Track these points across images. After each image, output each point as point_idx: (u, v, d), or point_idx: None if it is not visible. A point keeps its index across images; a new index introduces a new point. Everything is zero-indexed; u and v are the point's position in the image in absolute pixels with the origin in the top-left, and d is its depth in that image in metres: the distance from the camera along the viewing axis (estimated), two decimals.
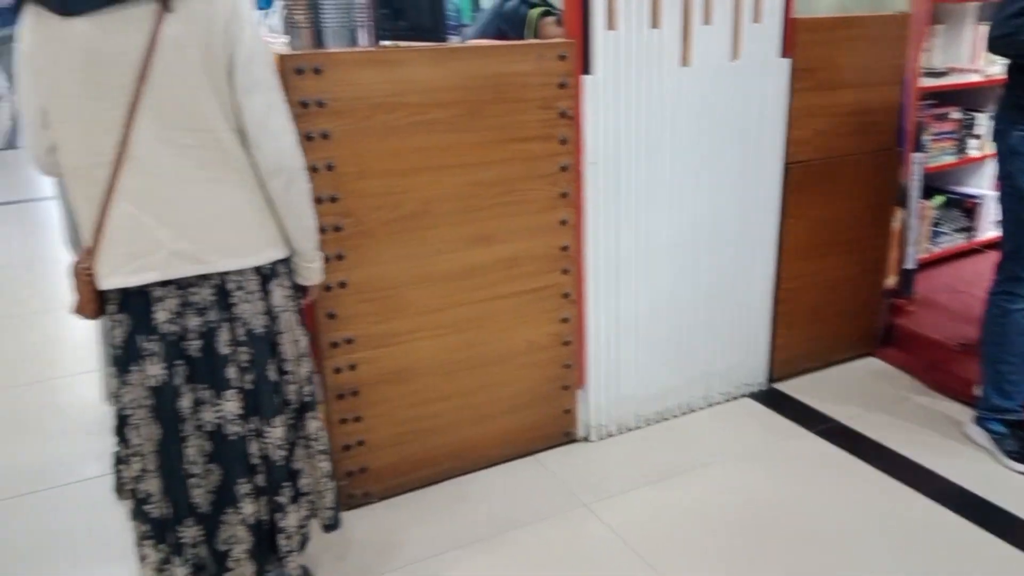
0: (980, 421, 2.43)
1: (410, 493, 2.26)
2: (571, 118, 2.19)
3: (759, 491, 2.24)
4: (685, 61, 2.31)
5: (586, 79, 2.17)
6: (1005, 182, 2.27)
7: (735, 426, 2.60)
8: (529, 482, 2.31)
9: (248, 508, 1.62)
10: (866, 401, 2.71)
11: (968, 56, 3.25)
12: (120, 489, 2.24)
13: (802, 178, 2.65)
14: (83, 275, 1.51)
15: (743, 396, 2.78)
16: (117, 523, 2.16)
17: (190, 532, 1.61)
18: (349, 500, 2.17)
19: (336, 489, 1.81)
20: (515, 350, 2.32)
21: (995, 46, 2.15)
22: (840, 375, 2.92)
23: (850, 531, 2.06)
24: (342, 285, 2.02)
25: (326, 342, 2.04)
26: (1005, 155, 2.25)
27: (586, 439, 2.51)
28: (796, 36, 2.48)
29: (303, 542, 1.75)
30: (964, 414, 2.55)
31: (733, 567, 1.95)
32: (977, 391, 2.47)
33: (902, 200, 2.93)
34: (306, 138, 1.85)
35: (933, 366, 2.83)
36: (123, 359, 1.54)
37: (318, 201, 1.86)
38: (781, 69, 2.49)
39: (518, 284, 2.26)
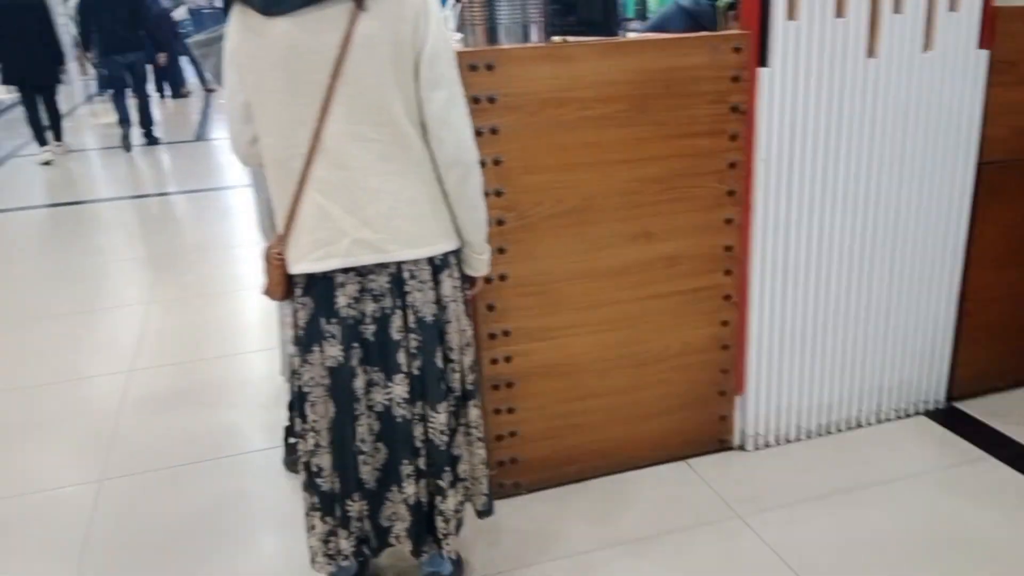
0: None
1: (559, 487, 2.26)
2: (743, 113, 2.09)
3: (933, 517, 2.07)
4: (871, 52, 2.15)
5: (762, 72, 2.07)
6: None
7: (908, 445, 2.41)
8: (681, 488, 2.25)
9: (410, 488, 1.68)
10: None
11: None
12: (290, 462, 2.39)
13: (997, 180, 2.42)
14: (275, 259, 1.61)
15: (918, 414, 2.58)
16: (283, 493, 2.30)
17: (356, 507, 1.69)
18: (499, 489, 2.20)
19: (489, 477, 1.84)
20: (671, 351, 2.26)
21: None
22: None
23: None
24: (502, 278, 2.04)
25: (484, 333, 2.07)
26: None
27: (742, 448, 2.42)
28: (997, 26, 2.26)
29: (458, 526, 1.79)
30: None
31: None
32: None
33: None
34: (476, 133, 1.87)
35: None
36: (305, 340, 1.62)
37: (484, 195, 1.88)
38: (978, 62, 2.27)
39: (678, 283, 2.20)
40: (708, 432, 2.38)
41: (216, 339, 3.43)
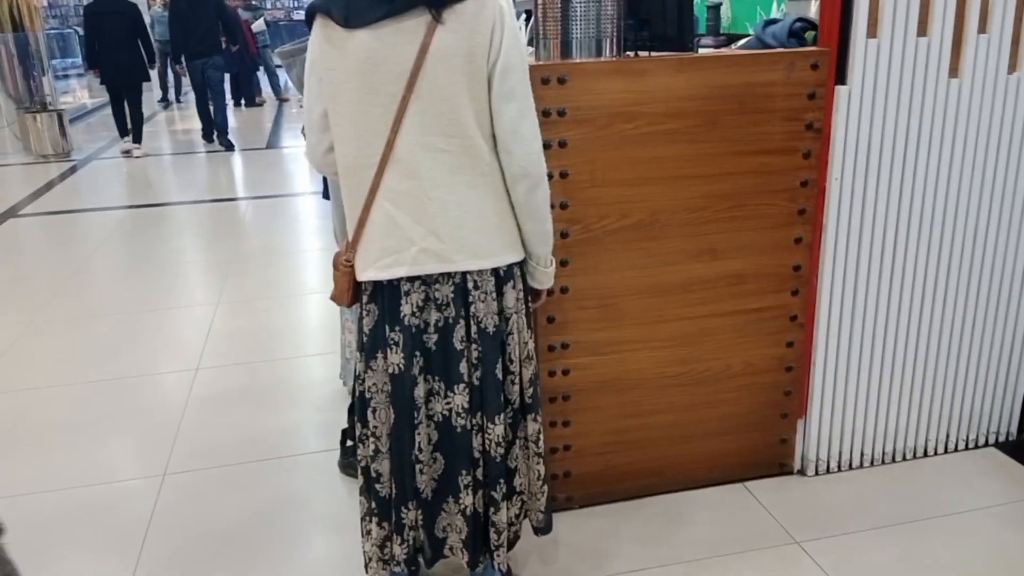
0: None
1: (612, 504, 2.24)
2: (818, 131, 2.05)
3: (998, 553, 1.99)
4: (955, 72, 2.09)
5: (839, 90, 2.03)
6: None
7: (975, 477, 2.33)
8: (738, 510, 2.20)
9: (467, 499, 1.68)
10: None
11: None
12: (345, 465, 2.42)
13: None
14: (343, 266, 1.63)
15: (987, 445, 2.48)
16: (338, 496, 2.33)
17: (411, 515, 1.70)
18: (551, 503, 2.19)
19: (548, 493, 1.82)
20: (732, 371, 2.22)
21: None
22: None
23: None
24: (564, 291, 2.03)
25: (543, 345, 2.06)
26: None
27: (802, 472, 2.36)
28: None
29: (514, 540, 1.78)
30: None
31: None
32: None
33: None
34: (544, 146, 1.87)
35: None
36: (369, 347, 1.64)
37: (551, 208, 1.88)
38: None
39: (742, 302, 2.16)
40: (768, 455, 2.33)
41: (279, 342, 3.50)
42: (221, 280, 4.34)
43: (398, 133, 1.49)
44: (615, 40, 1.97)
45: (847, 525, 2.12)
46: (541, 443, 1.77)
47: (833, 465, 2.36)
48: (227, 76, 9.47)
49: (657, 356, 2.15)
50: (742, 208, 2.08)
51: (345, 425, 2.41)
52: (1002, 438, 2.50)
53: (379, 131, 1.50)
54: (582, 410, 2.15)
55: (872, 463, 2.39)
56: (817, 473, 2.35)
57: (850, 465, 2.37)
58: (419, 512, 1.71)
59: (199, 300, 4.04)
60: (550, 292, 1.98)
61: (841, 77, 2.03)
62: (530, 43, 2.13)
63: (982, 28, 2.08)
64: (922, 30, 2.03)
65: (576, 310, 2.06)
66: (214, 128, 8.48)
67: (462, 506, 1.68)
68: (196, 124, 8.98)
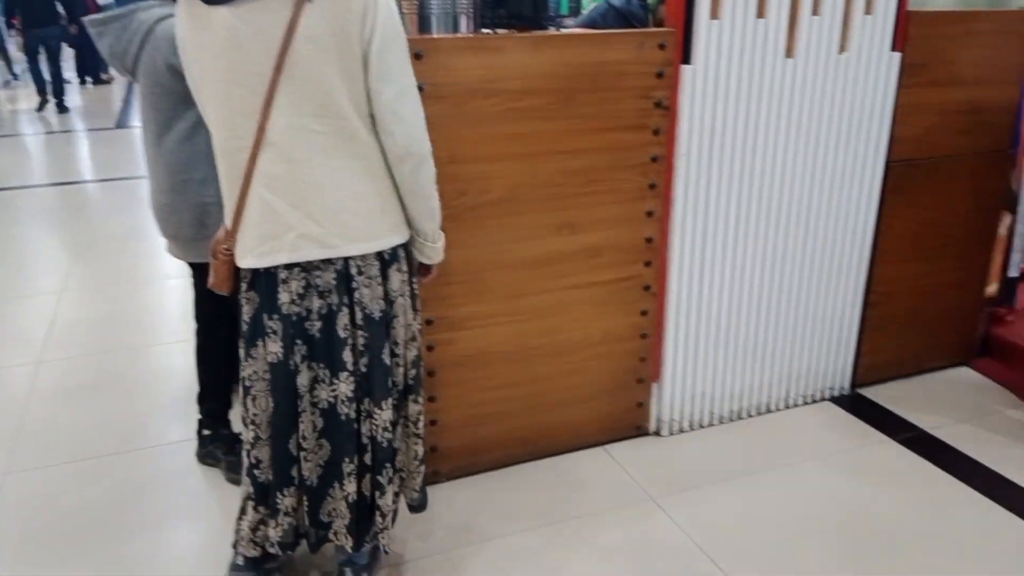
0: None
1: (478, 475, 2.28)
2: (667, 108, 2.14)
3: (837, 497, 2.18)
4: (790, 53, 2.23)
5: (685, 69, 2.12)
6: None
7: (815, 430, 2.53)
8: (598, 472, 2.30)
9: (351, 486, 1.67)
10: (955, 412, 2.61)
11: None
12: (203, 455, 2.35)
13: (905, 177, 2.54)
14: (222, 254, 1.57)
15: (825, 400, 2.70)
16: (196, 485, 2.26)
17: (287, 501, 1.67)
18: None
19: (425, 472, 1.84)
20: (591, 340, 2.30)
21: None
22: (930, 384, 2.81)
23: (930, 543, 1.99)
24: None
25: None
26: None
27: (657, 434, 2.48)
28: (909, 30, 2.36)
29: (394, 519, 1.79)
30: None
31: (797, 569, 1.90)
32: None
33: (1011, 205, 2.78)
34: None
35: None
36: (249, 335, 1.60)
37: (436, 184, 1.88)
38: (891, 64, 2.38)
39: (599, 274, 2.24)
40: (626, 419, 2.44)
41: (133, 329, 3.32)
42: (67, 267, 4.06)
43: (268, 116, 1.44)
44: (472, 17, 1.98)
45: (698, 480, 2.26)
46: (421, 424, 1.77)
47: (686, 425, 2.50)
48: (73, 52, 9.43)
49: (519, 329, 2.20)
50: (597, 183, 2.15)
51: (199, 415, 2.34)
52: (837, 393, 2.72)
53: (249, 113, 1.44)
54: (447, 384, 2.17)
55: (721, 422, 2.55)
56: (671, 433, 2.48)
57: (701, 424, 2.52)
58: (304, 498, 1.68)
59: (42, 289, 3.77)
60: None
61: (687, 57, 2.12)
62: None
63: (815, 11, 2.22)
64: (761, 12, 2.15)
65: (438, 286, 2.07)
66: (47, 92, 8.58)
67: (346, 492, 1.67)
68: (35, 102, 8.58)
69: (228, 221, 1.56)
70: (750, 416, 2.59)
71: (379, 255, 1.58)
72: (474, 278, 2.10)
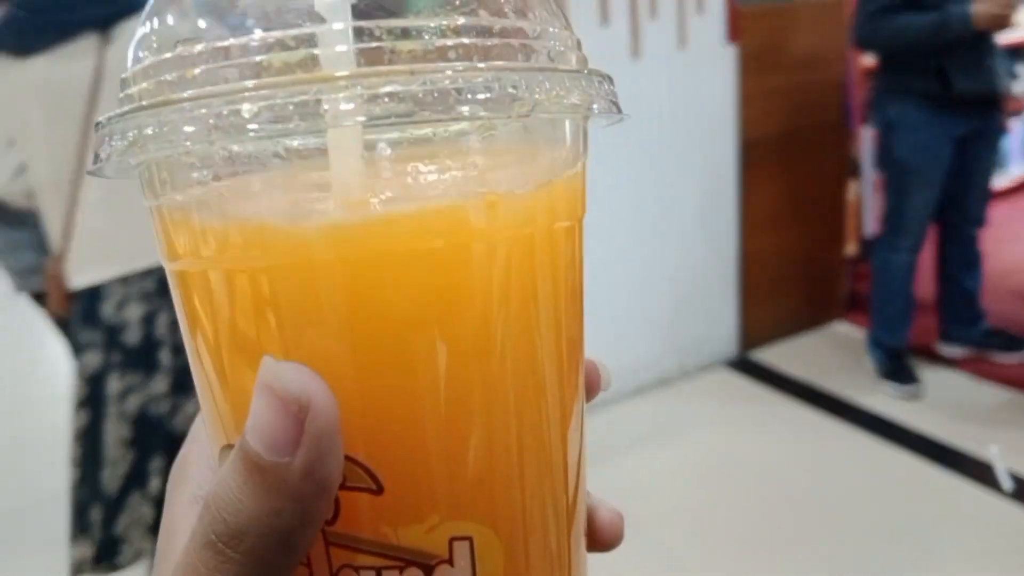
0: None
1: None
2: None
3: (734, 453, 2.39)
4: (635, 53, 2.48)
5: None
6: (884, 153, 2.56)
7: (709, 394, 2.75)
8: None
9: (156, 484, 1.68)
10: (833, 363, 2.87)
11: None
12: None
13: (755, 156, 2.82)
14: (54, 279, 1.66)
15: (716, 365, 2.93)
16: None
17: (98, 515, 1.66)
18: None
19: None
20: None
21: (859, 43, 2.48)
22: (808, 341, 3.08)
23: (827, 486, 2.21)
24: None
25: None
26: (883, 129, 2.53)
27: None
28: (741, 24, 2.65)
29: None
30: (921, 365, 2.71)
31: (710, 525, 2.09)
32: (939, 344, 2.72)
33: (855, 172, 3.10)
34: None
35: None
36: (73, 350, 1.69)
37: None
38: (729, 55, 2.66)
39: None
40: None
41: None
42: None
43: (86, 149, 1.56)
44: None
45: (606, 454, 2.42)
46: None
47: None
48: None
49: None
50: None
51: None
52: (728, 359, 2.96)
53: (68, 148, 1.57)
54: None
55: (623, 397, 2.74)
56: None
57: (604, 401, 2.71)
58: (104, 512, 1.66)
59: None
60: None
61: None
62: None
63: (653, 15, 2.48)
64: (604, 20, 2.39)
65: None
66: None
67: (152, 494, 1.67)
68: None
69: (55, 247, 1.65)
70: (650, 388, 2.80)
71: None
72: None
